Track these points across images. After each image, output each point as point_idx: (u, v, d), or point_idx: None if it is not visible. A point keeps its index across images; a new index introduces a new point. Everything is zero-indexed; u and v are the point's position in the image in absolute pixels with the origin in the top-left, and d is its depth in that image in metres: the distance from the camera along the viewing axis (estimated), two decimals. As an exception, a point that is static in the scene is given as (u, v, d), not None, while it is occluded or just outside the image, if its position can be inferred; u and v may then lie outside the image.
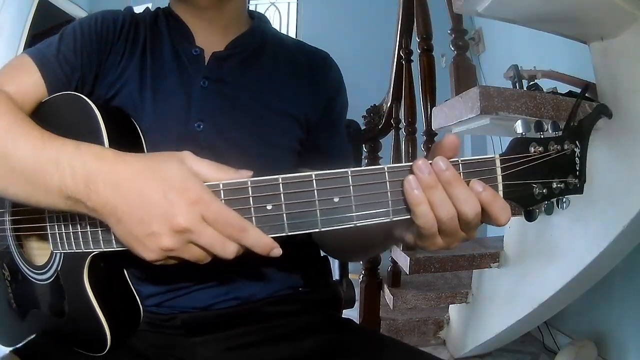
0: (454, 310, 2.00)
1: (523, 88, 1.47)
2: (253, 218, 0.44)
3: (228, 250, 0.43)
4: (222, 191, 0.44)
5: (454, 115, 1.26)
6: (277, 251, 0.44)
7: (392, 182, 0.43)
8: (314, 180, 0.43)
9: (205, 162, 0.46)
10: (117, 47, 0.66)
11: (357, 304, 1.85)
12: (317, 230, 0.44)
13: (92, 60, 0.64)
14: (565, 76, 1.49)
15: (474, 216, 0.43)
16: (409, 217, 0.44)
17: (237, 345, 0.64)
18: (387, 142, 2.14)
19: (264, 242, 0.43)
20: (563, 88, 1.35)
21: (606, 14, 1.09)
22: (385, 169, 0.43)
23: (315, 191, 0.43)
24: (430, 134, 1.60)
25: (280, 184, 0.43)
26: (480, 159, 0.44)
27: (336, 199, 0.43)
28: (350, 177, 0.43)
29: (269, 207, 0.44)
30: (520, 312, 1.54)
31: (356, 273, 1.96)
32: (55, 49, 0.63)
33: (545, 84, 1.44)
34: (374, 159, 2.06)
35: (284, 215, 0.44)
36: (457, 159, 0.44)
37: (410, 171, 0.43)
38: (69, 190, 0.45)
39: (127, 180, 0.43)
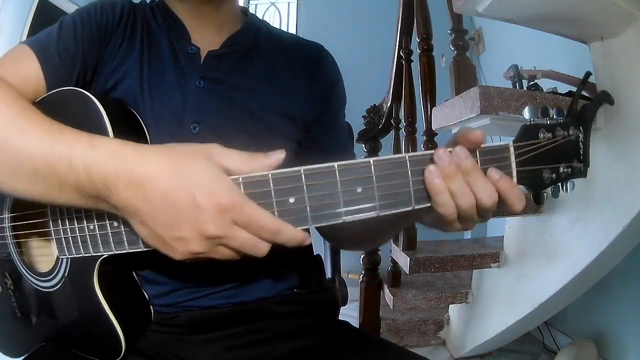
0: (454, 310, 2.00)
1: (523, 88, 1.48)
2: (275, 212, 0.43)
3: (260, 250, 0.42)
4: (241, 184, 0.42)
5: (454, 115, 1.27)
6: (308, 240, 0.44)
7: (413, 171, 0.43)
8: (337, 171, 0.42)
9: (234, 154, 0.43)
10: (116, 36, 0.65)
11: (357, 304, 1.86)
12: (340, 221, 0.43)
13: (92, 50, 0.63)
14: (565, 76, 1.50)
15: (492, 204, 0.44)
16: (429, 205, 0.44)
17: (238, 345, 0.64)
18: (387, 142, 2.14)
19: (297, 238, 0.43)
20: (563, 88, 1.36)
21: (606, 14, 1.09)
22: (407, 157, 0.43)
23: (339, 182, 0.42)
24: (430, 134, 1.61)
25: (303, 176, 0.42)
26: (496, 146, 0.45)
27: (359, 189, 0.43)
28: (372, 166, 0.43)
29: (292, 200, 0.42)
30: (520, 312, 1.54)
31: (356, 273, 1.97)
32: (55, 39, 0.61)
33: (545, 84, 1.44)
34: (374, 159, 2.06)
35: (307, 207, 0.43)
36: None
37: (431, 160, 0.43)
38: (87, 190, 0.42)
39: (151, 181, 0.40)
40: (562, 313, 1.73)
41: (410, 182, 0.43)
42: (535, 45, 2.05)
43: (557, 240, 1.39)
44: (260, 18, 0.77)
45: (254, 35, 0.72)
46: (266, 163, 0.43)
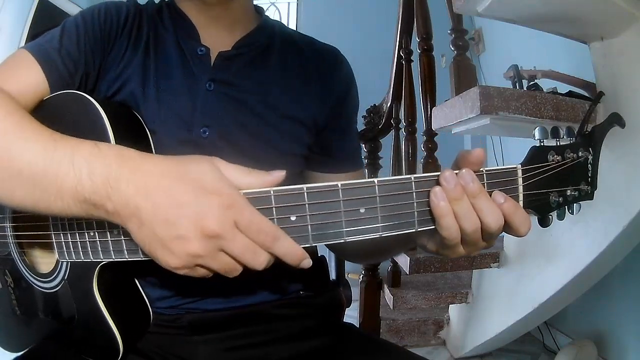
0: (454, 310, 2.00)
1: (523, 88, 1.48)
2: None
3: (259, 259, 0.41)
4: None
5: (454, 115, 1.27)
6: (308, 262, 0.42)
7: (418, 193, 0.43)
8: (340, 190, 0.42)
9: (235, 167, 0.43)
10: (120, 41, 0.63)
11: (357, 304, 1.86)
12: (341, 241, 0.43)
13: (95, 56, 0.61)
14: (565, 76, 1.49)
15: (497, 228, 0.43)
16: (433, 227, 0.44)
17: (238, 346, 0.64)
18: (387, 142, 2.14)
19: (296, 253, 0.42)
20: (563, 88, 1.36)
21: (606, 14, 1.09)
22: (412, 178, 0.43)
23: (342, 202, 0.42)
24: (430, 134, 1.61)
25: (305, 194, 0.42)
26: (504, 169, 0.45)
27: (362, 210, 0.42)
28: (376, 187, 0.42)
29: (293, 217, 0.42)
30: (520, 312, 1.54)
31: (356, 273, 1.97)
32: (57, 44, 0.59)
33: (545, 84, 1.44)
34: (374, 159, 2.06)
35: (309, 226, 0.42)
36: (481, 169, 0.44)
37: (437, 182, 0.43)
38: (86, 191, 0.41)
39: (154, 178, 0.40)
40: (562, 313, 1.73)
41: (415, 204, 0.43)
42: (535, 45, 2.05)
43: (557, 240, 1.39)
44: (275, 19, 0.75)
45: (268, 37, 0.70)
46: (265, 180, 0.42)
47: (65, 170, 0.42)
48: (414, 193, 0.43)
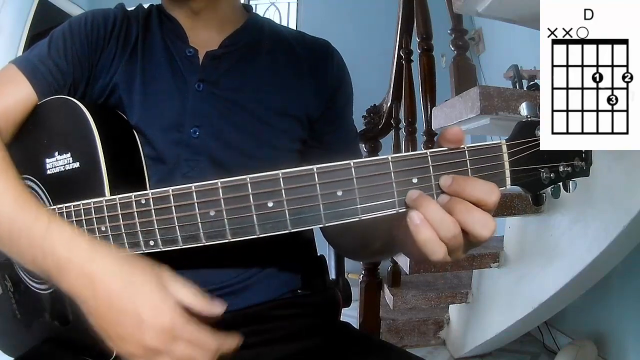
0: (454, 310, 2.00)
1: (523, 88, 1.48)
2: (254, 216, 0.43)
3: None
4: (220, 189, 0.43)
5: (454, 115, 1.27)
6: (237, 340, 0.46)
7: (397, 173, 0.42)
8: (316, 174, 0.42)
9: (182, 286, 0.45)
10: (109, 48, 0.64)
11: (357, 304, 1.86)
12: (321, 225, 0.43)
13: (83, 65, 0.62)
14: (565, 76, 1.49)
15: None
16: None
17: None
18: (387, 142, 2.14)
19: (235, 343, 0.46)
20: (563, 88, 1.35)
21: (606, 14, 1.09)
22: (390, 159, 0.42)
23: (318, 185, 0.42)
24: (430, 134, 1.61)
25: (281, 179, 0.42)
26: (487, 145, 0.43)
27: (339, 193, 0.42)
28: (353, 168, 0.42)
29: (270, 204, 0.42)
30: (520, 312, 1.54)
31: (356, 273, 1.97)
32: (45, 56, 0.61)
33: (545, 84, 1.44)
34: (374, 159, 2.06)
35: (286, 211, 0.42)
36: (463, 146, 0.42)
37: (415, 162, 0.42)
38: (43, 268, 0.45)
39: (99, 279, 0.43)
40: (562, 313, 1.73)
41: (394, 184, 0.42)
42: (535, 45, 2.03)
43: (557, 240, 1.39)
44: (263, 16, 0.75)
45: (256, 34, 0.70)
46: (208, 309, 0.45)
47: (25, 244, 0.46)
48: (392, 173, 0.42)
